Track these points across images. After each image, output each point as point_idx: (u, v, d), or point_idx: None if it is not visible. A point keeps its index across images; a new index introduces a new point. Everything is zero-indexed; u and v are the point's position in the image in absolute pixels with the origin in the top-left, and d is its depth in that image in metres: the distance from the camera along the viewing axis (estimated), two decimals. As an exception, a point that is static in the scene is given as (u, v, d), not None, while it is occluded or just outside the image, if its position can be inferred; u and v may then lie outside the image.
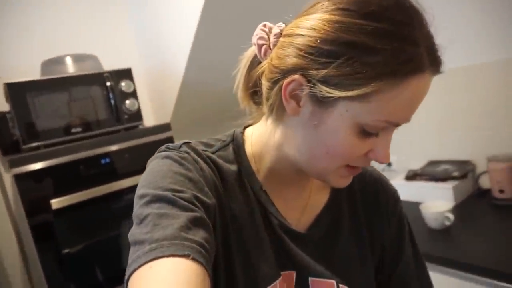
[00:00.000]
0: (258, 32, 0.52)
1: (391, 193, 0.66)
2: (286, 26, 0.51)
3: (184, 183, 0.47)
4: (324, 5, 0.45)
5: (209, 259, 0.42)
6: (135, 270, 0.38)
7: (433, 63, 0.44)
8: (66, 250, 1.45)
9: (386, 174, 1.82)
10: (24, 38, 1.80)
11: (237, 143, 0.57)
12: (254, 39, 0.53)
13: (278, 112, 0.51)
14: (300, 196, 0.60)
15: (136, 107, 1.68)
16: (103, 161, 1.54)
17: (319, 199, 0.61)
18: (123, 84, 1.65)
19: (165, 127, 1.70)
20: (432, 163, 1.83)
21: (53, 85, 1.53)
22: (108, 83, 1.61)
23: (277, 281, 0.54)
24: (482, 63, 1.61)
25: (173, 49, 1.78)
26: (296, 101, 0.48)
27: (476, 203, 1.58)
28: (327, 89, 0.44)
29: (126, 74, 1.67)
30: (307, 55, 0.45)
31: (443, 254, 1.26)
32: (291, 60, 0.46)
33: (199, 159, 0.52)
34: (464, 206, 1.56)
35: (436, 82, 1.77)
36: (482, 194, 1.62)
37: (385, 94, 0.42)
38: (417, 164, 1.86)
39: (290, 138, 0.52)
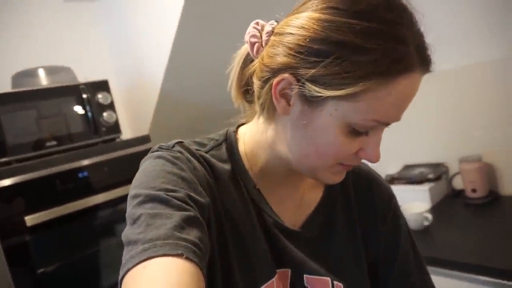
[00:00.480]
0: (251, 30, 0.52)
1: (385, 190, 0.66)
2: (277, 24, 0.51)
3: (177, 183, 0.47)
4: (314, 3, 0.45)
5: (203, 258, 0.41)
6: (128, 270, 0.38)
7: (423, 63, 0.44)
8: (42, 270, 1.37)
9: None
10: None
11: (230, 142, 0.57)
12: (246, 37, 0.53)
13: (269, 111, 0.51)
14: (294, 194, 0.60)
15: (114, 119, 1.64)
16: (80, 175, 1.49)
17: (313, 197, 0.61)
18: (100, 96, 1.62)
19: (144, 139, 1.67)
20: (408, 167, 1.89)
21: (24, 98, 1.47)
22: (84, 95, 1.57)
23: (274, 279, 0.54)
24: (451, 68, 1.69)
25: (150, 59, 1.77)
26: (286, 100, 0.48)
27: (451, 203, 1.65)
28: (316, 89, 0.44)
29: (103, 86, 1.64)
30: (297, 54, 0.45)
31: (424, 253, 1.29)
32: (281, 59, 0.46)
33: (192, 159, 0.52)
34: (440, 207, 1.62)
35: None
36: (456, 194, 1.69)
37: (374, 94, 0.43)
38: (393, 169, 1.92)
39: (281, 137, 0.52)
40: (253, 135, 0.57)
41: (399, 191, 1.71)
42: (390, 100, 0.44)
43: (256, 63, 0.52)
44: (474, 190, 1.58)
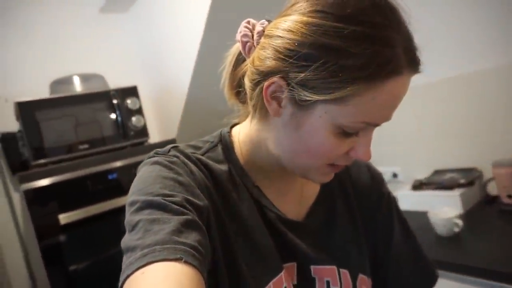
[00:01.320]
0: (242, 29, 0.53)
1: (378, 176, 0.68)
2: (268, 24, 0.51)
3: (174, 187, 0.47)
4: (302, 6, 0.45)
5: (203, 262, 0.41)
6: (128, 276, 0.38)
7: (411, 63, 0.44)
8: (74, 267, 1.45)
9: (392, 185, 1.80)
10: (33, 58, 1.86)
11: (225, 143, 0.58)
12: (238, 36, 0.53)
13: (261, 112, 0.51)
14: (293, 188, 0.61)
15: (142, 123, 1.71)
16: (110, 177, 1.56)
17: (311, 189, 0.63)
18: (129, 101, 1.69)
19: (171, 143, 1.72)
20: (438, 172, 1.82)
21: (61, 103, 1.57)
22: (114, 101, 1.65)
23: (281, 274, 0.54)
24: (480, 69, 1.63)
25: (177, 67, 1.83)
26: (278, 102, 0.48)
27: (484, 210, 1.57)
28: (305, 93, 0.44)
29: (132, 91, 1.71)
30: (286, 58, 0.45)
31: (453, 260, 1.24)
32: (270, 62, 0.46)
33: (188, 162, 0.52)
34: (472, 213, 1.54)
35: (436, 91, 1.80)
36: (490, 201, 1.61)
37: (362, 97, 0.43)
38: (422, 174, 1.86)
39: (273, 137, 0.52)
40: (247, 134, 0.57)
41: (427, 197, 1.70)
42: (378, 102, 0.44)
43: (247, 64, 0.52)
44: (509, 196, 1.49)
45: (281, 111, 0.48)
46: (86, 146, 1.59)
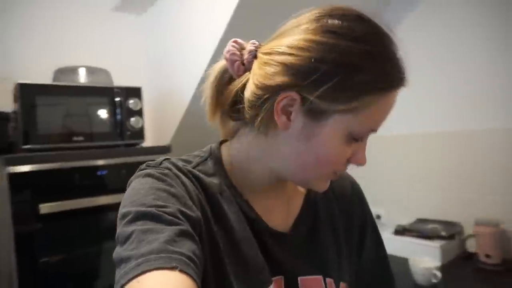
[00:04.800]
0: (230, 48, 0.54)
1: (356, 186, 0.73)
2: (263, 44, 0.54)
3: (167, 199, 0.48)
4: (310, 26, 0.49)
5: (198, 271, 0.42)
6: (123, 286, 0.38)
7: (404, 78, 0.50)
8: (45, 259, 1.39)
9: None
10: (40, 43, 1.85)
11: (215, 158, 0.59)
12: (226, 55, 0.54)
13: (266, 126, 0.53)
14: (281, 201, 0.63)
15: (140, 125, 1.70)
16: (98, 173, 1.53)
17: (297, 201, 0.65)
18: (131, 101, 1.68)
19: (165, 149, 1.71)
20: (421, 221, 1.85)
21: (64, 92, 1.55)
22: (117, 98, 1.64)
23: (271, 287, 0.55)
24: (471, 129, 1.70)
25: (185, 73, 1.84)
26: (287, 116, 0.51)
27: (462, 265, 1.59)
28: (324, 104, 0.48)
29: (136, 92, 1.71)
30: (299, 73, 0.48)
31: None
32: (280, 78, 0.49)
33: (180, 174, 0.53)
34: (450, 267, 1.57)
35: (430, 143, 1.85)
36: (468, 257, 1.64)
37: (373, 106, 0.49)
38: (405, 220, 1.88)
39: (275, 151, 0.54)
40: (239, 150, 0.59)
41: (409, 243, 1.72)
42: (383, 110, 0.51)
43: (242, 81, 0.54)
44: (487, 256, 1.53)
45: (290, 124, 0.51)
46: (80, 138, 1.56)
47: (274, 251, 0.57)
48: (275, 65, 0.49)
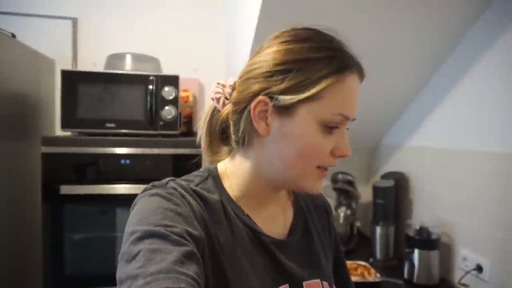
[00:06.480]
0: (214, 88, 0.63)
1: (328, 204, 0.79)
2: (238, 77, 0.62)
3: (174, 218, 0.50)
4: (269, 44, 0.59)
5: None
6: None
7: (359, 68, 0.57)
8: (69, 235, 1.51)
9: (473, 282, 1.25)
10: (113, 28, 1.98)
11: (213, 177, 0.63)
12: (212, 95, 0.63)
13: (251, 137, 0.59)
14: (277, 211, 0.67)
15: (172, 115, 1.63)
16: (122, 161, 1.55)
17: (289, 209, 0.69)
18: (166, 89, 1.63)
19: (196, 143, 1.61)
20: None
21: (101, 79, 1.60)
22: (150, 87, 1.61)
23: None
24: None
25: (231, 72, 1.69)
26: (265, 121, 0.56)
27: None
28: (288, 97, 0.54)
29: (172, 80, 1.64)
30: (266, 78, 0.55)
31: None
32: (252, 88, 0.56)
33: (186, 194, 0.55)
34: None
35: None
36: None
37: (332, 89, 0.54)
38: None
39: (263, 158, 0.59)
40: (234, 168, 0.63)
41: None
42: (344, 93, 0.55)
43: (226, 109, 0.61)
44: None
45: (269, 129, 0.56)
46: (112, 125, 1.60)
47: (281, 260, 0.61)
48: (244, 81, 0.58)
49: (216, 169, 0.64)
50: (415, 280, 1.42)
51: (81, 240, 1.53)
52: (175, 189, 0.55)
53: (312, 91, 0.53)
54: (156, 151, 1.57)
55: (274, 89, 0.54)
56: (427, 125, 1.68)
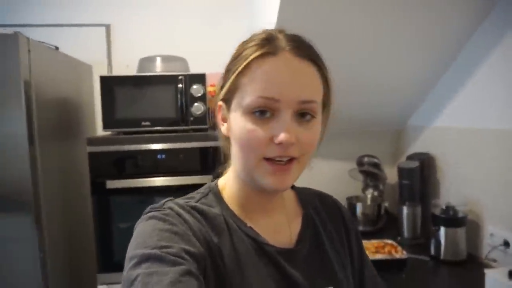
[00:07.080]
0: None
1: (345, 209, 0.76)
2: None
3: (170, 238, 0.50)
4: None
5: None
6: None
7: (292, 49, 0.56)
8: (117, 225, 1.67)
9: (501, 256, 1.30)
10: (144, 35, 2.12)
11: (214, 192, 0.64)
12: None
13: (228, 144, 0.62)
14: (282, 221, 0.66)
15: (201, 111, 1.74)
16: (159, 156, 1.68)
17: (297, 220, 0.68)
18: (195, 87, 1.74)
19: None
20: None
21: (135, 81, 1.74)
22: (180, 85, 1.72)
23: None
24: None
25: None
26: (227, 122, 0.61)
27: None
28: (227, 95, 0.59)
29: (200, 78, 1.75)
30: (220, 85, 0.62)
31: None
32: (219, 94, 0.62)
33: (182, 212, 0.56)
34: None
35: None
36: None
37: (244, 78, 0.56)
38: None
39: (233, 162, 0.61)
40: (229, 179, 0.64)
41: None
42: (258, 77, 0.55)
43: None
44: None
45: (229, 127, 0.59)
46: (147, 123, 1.74)
47: (287, 269, 0.59)
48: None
49: (216, 185, 0.65)
50: (442, 257, 1.46)
51: (127, 229, 1.69)
52: (171, 208, 0.56)
53: (229, 84, 0.57)
54: (188, 145, 1.69)
55: (221, 92, 0.60)
56: (452, 105, 1.68)
